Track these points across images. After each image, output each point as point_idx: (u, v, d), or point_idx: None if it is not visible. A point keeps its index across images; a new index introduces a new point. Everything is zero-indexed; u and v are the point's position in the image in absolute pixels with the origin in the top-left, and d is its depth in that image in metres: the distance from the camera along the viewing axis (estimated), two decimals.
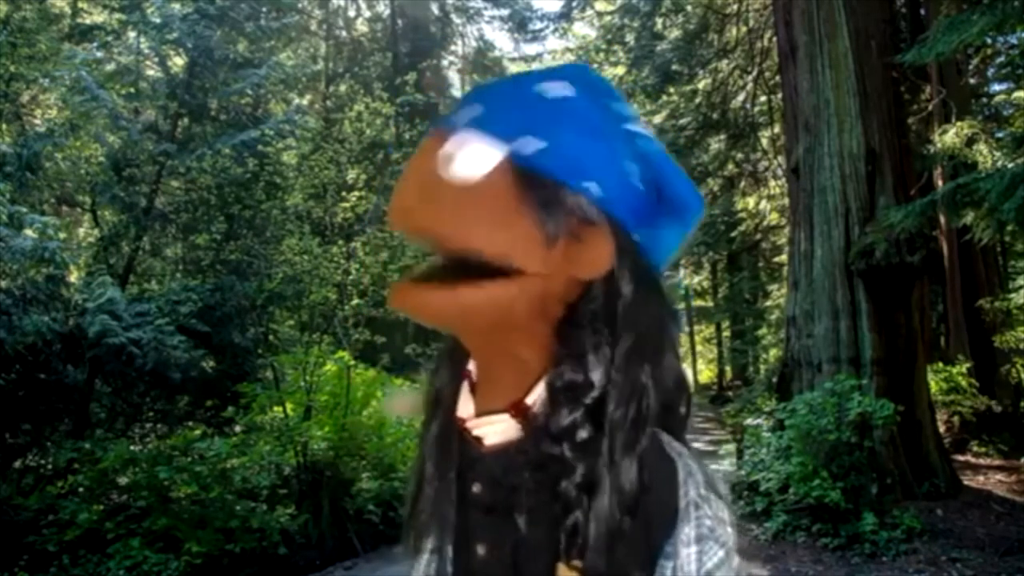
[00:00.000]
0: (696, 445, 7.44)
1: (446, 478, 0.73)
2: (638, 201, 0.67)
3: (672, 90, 15.27)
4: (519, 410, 0.68)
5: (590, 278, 0.66)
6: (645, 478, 0.63)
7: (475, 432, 0.70)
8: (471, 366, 0.75)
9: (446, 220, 0.64)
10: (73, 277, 7.39)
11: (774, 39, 11.02)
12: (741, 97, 14.47)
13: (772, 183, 15.42)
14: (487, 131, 0.64)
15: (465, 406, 0.73)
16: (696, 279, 23.19)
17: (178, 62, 8.73)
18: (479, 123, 0.65)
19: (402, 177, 0.67)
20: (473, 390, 0.74)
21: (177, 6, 8.49)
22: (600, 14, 17.02)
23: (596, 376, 0.65)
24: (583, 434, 0.64)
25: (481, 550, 0.70)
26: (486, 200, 0.63)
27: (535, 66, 20.59)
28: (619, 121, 0.68)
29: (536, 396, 0.67)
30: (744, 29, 13.75)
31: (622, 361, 0.65)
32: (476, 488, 0.71)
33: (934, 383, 9.04)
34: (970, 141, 8.00)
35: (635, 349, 0.66)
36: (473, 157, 0.63)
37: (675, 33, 15.17)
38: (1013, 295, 9.50)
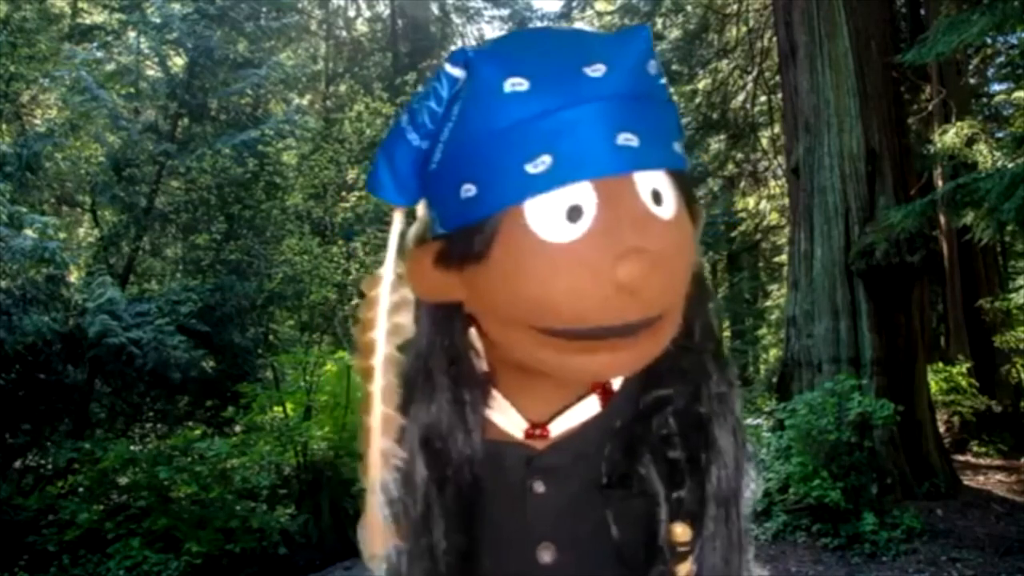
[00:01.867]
0: None
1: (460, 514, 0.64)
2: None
3: (672, 90, 15.22)
4: (603, 388, 0.65)
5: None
6: (740, 439, 0.66)
7: (549, 427, 0.64)
8: (484, 367, 0.67)
9: (677, 282, 0.59)
10: (73, 277, 7.39)
11: (774, 39, 11.01)
12: (741, 97, 14.46)
13: (772, 183, 15.41)
14: (660, 157, 0.58)
15: (508, 416, 0.65)
16: None
17: (178, 62, 8.73)
18: (648, 150, 0.56)
19: (600, 249, 0.56)
20: (511, 399, 0.66)
21: (177, 6, 8.49)
22: (600, 14, 17.03)
23: (682, 343, 0.63)
24: (680, 403, 0.63)
25: (547, 556, 0.63)
26: (688, 237, 0.60)
27: None
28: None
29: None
30: (744, 29, 13.74)
31: (707, 332, 0.66)
32: (539, 488, 0.64)
33: (934, 383, 9.04)
34: (970, 141, 7.99)
35: (716, 320, 0.68)
36: (669, 196, 0.58)
37: (675, 33, 15.17)
38: (1013, 295, 9.49)
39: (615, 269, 0.51)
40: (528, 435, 0.65)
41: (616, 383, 0.65)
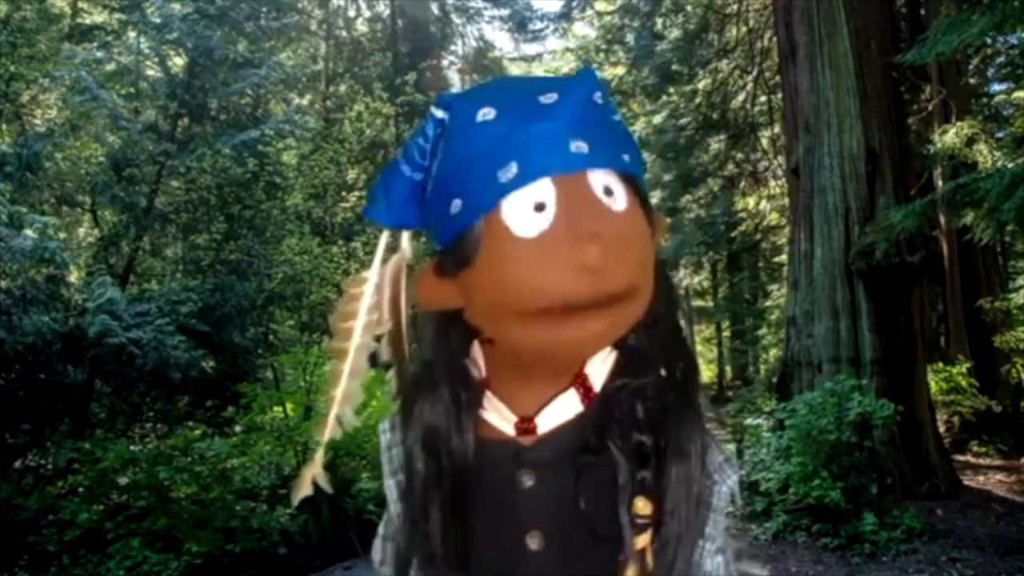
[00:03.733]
0: None
1: (446, 505, 0.71)
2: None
3: (672, 90, 15.25)
4: (581, 383, 0.72)
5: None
6: (707, 431, 0.73)
7: (536, 422, 0.72)
8: (484, 372, 0.75)
9: (629, 264, 0.65)
10: (73, 277, 7.39)
11: (774, 39, 11.01)
12: (741, 97, 14.45)
13: (772, 183, 15.40)
14: (609, 159, 0.66)
15: (499, 413, 0.73)
16: (696, 279, 23.16)
17: (178, 62, 8.73)
18: (599, 156, 0.66)
19: (560, 236, 0.65)
20: (501, 395, 0.73)
21: (177, 6, 8.49)
22: (600, 14, 17.00)
23: (642, 342, 0.72)
24: (650, 393, 0.71)
25: (535, 543, 0.70)
26: (640, 228, 0.68)
27: (535, 66, 20.64)
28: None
29: (593, 370, 0.72)
30: (744, 29, 13.74)
31: (667, 331, 0.74)
32: (528, 480, 0.71)
33: (934, 383, 9.04)
34: (970, 141, 7.99)
35: (668, 310, 0.73)
36: (619, 192, 0.66)
37: (675, 33, 15.16)
38: (1013, 295, 9.49)
39: (577, 251, 0.61)
40: (519, 430, 0.72)
41: (596, 383, 0.72)
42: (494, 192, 0.62)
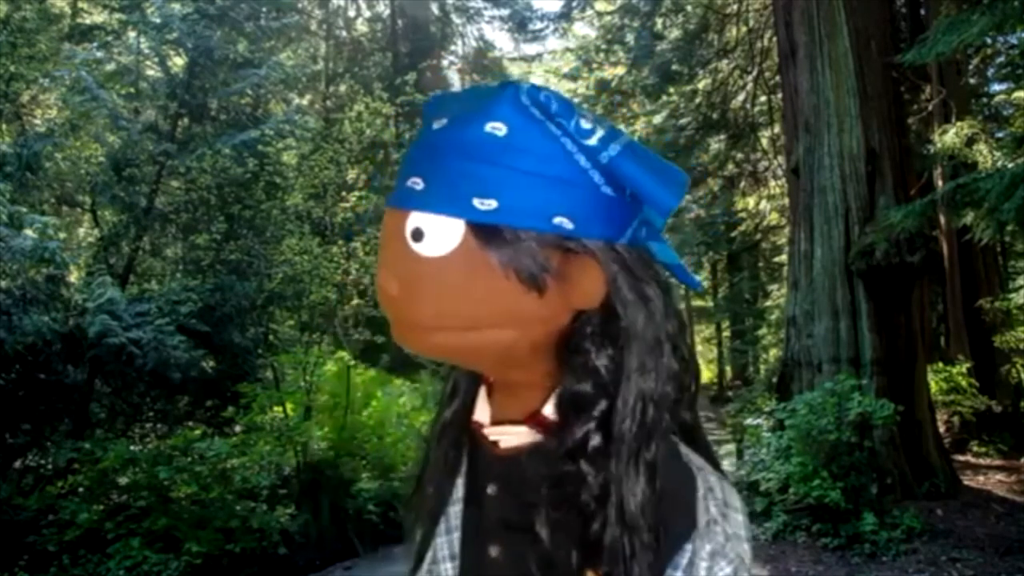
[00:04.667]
0: None
1: (454, 471, 0.76)
2: (613, 208, 0.63)
3: (672, 90, 15.25)
4: (536, 420, 0.69)
5: (588, 307, 0.66)
6: (656, 488, 0.63)
7: (492, 437, 0.72)
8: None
9: (432, 309, 0.64)
10: (73, 277, 7.39)
11: (774, 39, 11.01)
12: (741, 97, 14.45)
13: (772, 183, 15.41)
14: (440, 204, 0.61)
15: (482, 410, 0.75)
16: (696, 279, 23.16)
17: (178, 62, 8.72)
18: (429, 195, 0.62)
19: (379, 263, 0.68)
20: (490, 394, 0.75)
21: (177, 6, 8.48)
22: (600, 14, 17.00)
23: (603, 388, 0.66)
24: (595, 445, 0.65)
25: (494, 552, 0.71)
26: (463, 279, 0.62)
27: (535, 66, 20.63)
28: (571, 137, 0.62)
29: (550, 408, 0.69)
30: (744, 29, 13.74)
31: (626, 373, 0.65)
32: (491, 490, 0.72)
33: (934, 383, 9.04)
34: (970, 141, 7.99)
35: (638, 359, 0.65)
36: (436, 237, 0.62)
37: (675, 33, 15.16)
38: (1013, 295, 9.49)
39: (380, 279, 0.66)
40: (477, 429, 0.74)
41: (554, 418, 0.68)
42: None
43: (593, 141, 0.62)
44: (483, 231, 0.61)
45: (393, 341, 0.71)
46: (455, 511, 0.74)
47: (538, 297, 0.63)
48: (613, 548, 0.62)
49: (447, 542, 0.74)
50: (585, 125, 0.62)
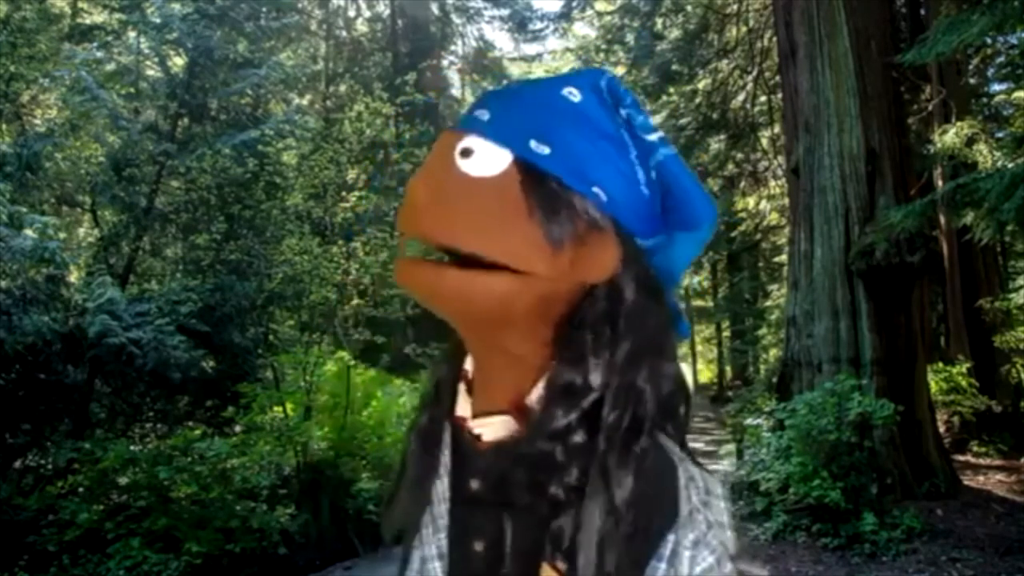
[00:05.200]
0: (696, 445, 7.44)
1: (434, 472, 0.74)
2: (645, 208, 0.67)
3: (672, 90, 15.26)
4: (519, 409, 0.68)
5: (594, 282, 0.66)
6: (641, 484, 0.63)
7: (475, 430, 0.71)
8: (468, 366, 0.75)
9: (454, 222, 0.64)
10: (73, 277, 7.39)
11: (774, 39, 11.02)
12: (741, 97, 14.46)
13: (772, 183, 15.42)
14: (498, 134, 0.65)
15: (463, 406, 0.74)
16: (696, 279, 23.18)
17: (178, 62, 8.72)
18: (491, 125, 0.66)
19: (415, 176, 0.68)
20: (470, 391, 0.74)
21: (177, 6, 8.49)
22: (600, 14, 17.02)
23: (594, 379, 0.65)
24: (577, 437, 0.64)
25: (479, 546, 0.70)
26: (494, 203, 0.64)
27: (535, 66, 20.65)
28: (631, 127, 0.68)
29: (536, 396, 0.67)
30: (744, 29, 13.74)
31: (621, 365, 0.65)
32: (475, 485, 0.71)
33: (934, 383, 9.04)
34: (970, 141, 7.99)
35: (634, 353, 0.65)
36: (483, 159, 0.64)
37: (675, 33, 15.17)
38: (1013, 295, 9.49)
39: (409, 186, 0.67)
40: (460, 425, 0.73)
41: (534, 404, 0.67)
42: None
43: (653, 138, 0.68)
44: (528, 170, 0.64)
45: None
46: (441, 511, 0.74)
47: (552, 253, 0.64)
48: (588, 546, 0.61)
49: (435, 542, 0.74)
50: (649, 123, 0.69)
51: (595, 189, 0.64)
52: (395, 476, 0.80)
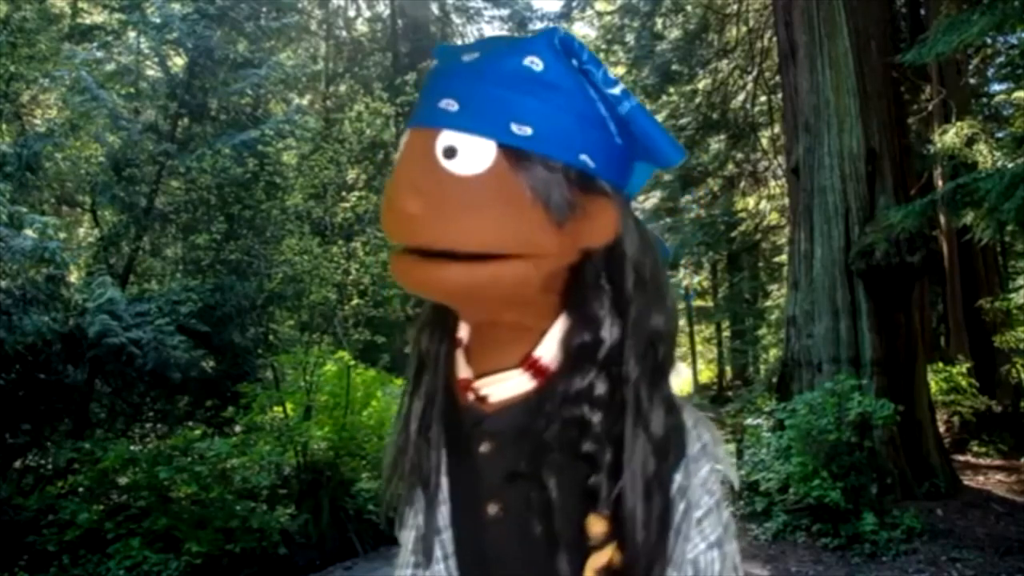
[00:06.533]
0: None
1: (436, 440, 0.74)
2: (623, 158, 0.69)
3: (672, 90, 15.26)
4: (530, 364, 0.70)
5: (600, 245, 0.68)
6: (670, 421, 0.67)
7: (482, 391, 0.71)
8: (462, 332, 0.75)
9: (459, 228, 0.63)
10: (73, 277, 7.38)
11: (774, 39, 11.01)
12: (741, 97, 14.46)
13: (772, 183, 15.41)
14: (475, 124, 0.63)
15: (463, 369, 0.74)
16: (696, 279, 23.17)
17: (178, 62, 8.73)
18: (463, 116, 0.63)
19: (394, 183, 0.66)
20: (467, 355, 0.74)
21: (177, 6, 8.49)
22: (600, 14, 17.02)
23: (607, 333, 0.67)
24: (601, 391, 0.66)
25: (493, 509, 0.71)
26: (494, 200, 0.63)
27: None
28: (593, 83, 0.67)
29: (546, 351, 0.69)
30: (744, 29, 13.74)
31: (636, 315, 0.68)
32: (485, 448, 0.71)
33: (934, 383, 9.04)
34: (970, 141, 7.99)
35: (645, 302, 0.68)
36: (469, 156, 0.62)
37: (675, 33, 15.17)
38: (1013, 295, 9.50)
39: (396, 199, 0.64)
40: (468, 393, 0.72)
41: (551, 363, 0.69)
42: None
43: (616, 91, 0.67)
44: (515, 156, 0.63)
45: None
46: (441, 483, 0.74)
47: (557, 230, 0.64)
48: (635, 488, 0.64)
49: (439, 514, 0.74)
50: (609, 76, 0.67)
51: (582, 157, 0.65)
52: (393, 450, 0.78)
